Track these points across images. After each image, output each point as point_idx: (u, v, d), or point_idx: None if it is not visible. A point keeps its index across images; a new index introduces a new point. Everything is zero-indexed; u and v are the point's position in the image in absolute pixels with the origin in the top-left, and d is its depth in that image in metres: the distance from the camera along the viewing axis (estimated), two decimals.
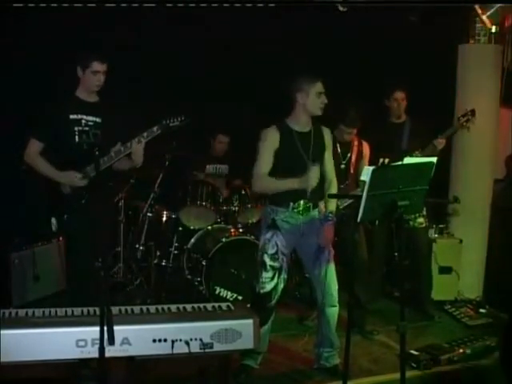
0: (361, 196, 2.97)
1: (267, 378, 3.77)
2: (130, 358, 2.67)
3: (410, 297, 4.87)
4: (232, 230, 5.06)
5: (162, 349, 2.67)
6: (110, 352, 2.46)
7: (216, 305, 3.03)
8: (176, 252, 5.31)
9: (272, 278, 3.66)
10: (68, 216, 3.69)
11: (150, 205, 5.33)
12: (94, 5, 4.48)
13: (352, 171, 4.46)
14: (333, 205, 3.77)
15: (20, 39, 4.85)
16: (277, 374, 3.84)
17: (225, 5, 4.67)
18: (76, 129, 3.69)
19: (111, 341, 2.36)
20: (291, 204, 3.63)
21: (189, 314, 2.89)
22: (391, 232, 4.69)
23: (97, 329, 2.41)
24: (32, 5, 4.26)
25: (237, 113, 5.58)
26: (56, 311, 2.82)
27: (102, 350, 2.40)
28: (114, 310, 2.73)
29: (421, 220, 4.79)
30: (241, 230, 5.14)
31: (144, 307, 2.95)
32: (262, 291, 3.67)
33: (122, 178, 4.86)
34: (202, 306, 2.98)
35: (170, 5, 4.64)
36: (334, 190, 3.80)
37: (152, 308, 2.94)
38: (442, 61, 5.39)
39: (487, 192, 5.37)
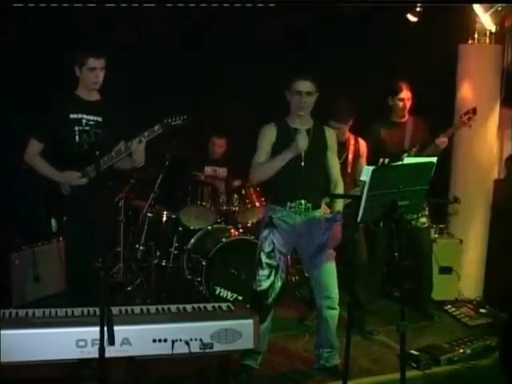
0: (361, 196, 2.97)
1: (267, 378, 3.76)
2: (130, 358, 2.67)
3: (410, 297, 4.87)
4: (232, 230, 5.06)
5: (162, 349, 2.67)
6: (110, 352, 2.46)
7: (216, 305, 3.02)
8: (176, 252, 5.30)
9: (268, 276, 3.66)
10: (68, 216, 3.68)
11: (150, 205, 5.32)
12: (93, 5, 4.49)
13: (349, 170, 4.44)
14: (340, 205, 3.76)
15: (20, 39, 4.85)
16: (277, 374, 3.83)
17: (225, 5, 4.68)
18: (76, 128, 3.67)
19: (111, 341, 2.36)
20: (289, 203, 3.63)
21: (189, 314, 2.89)
22: (391, 232, 4.68)
23: (97, 329, 2.41)
24: (32, 5, 4.26)
25: (237, 113, 5.57)
26: (56, 311, 2.82)
27: (102, 350, 2.40)
28: (114, 310, 2.72)
29: (423, 220, 4.77)
30: (241, 230, 5.14)
31: (144, 307, 2.95)
32: (258, 289, 3.67)
33: (122, 178, 4.85)
34: (202, 306, 2.98)
35: (169, 5, 4.65)
36: (339, 191, 3.79)
37: (152, 308, 2.94)
38: (442, 61, 5.39)
39: (487, 192, 5.36)
